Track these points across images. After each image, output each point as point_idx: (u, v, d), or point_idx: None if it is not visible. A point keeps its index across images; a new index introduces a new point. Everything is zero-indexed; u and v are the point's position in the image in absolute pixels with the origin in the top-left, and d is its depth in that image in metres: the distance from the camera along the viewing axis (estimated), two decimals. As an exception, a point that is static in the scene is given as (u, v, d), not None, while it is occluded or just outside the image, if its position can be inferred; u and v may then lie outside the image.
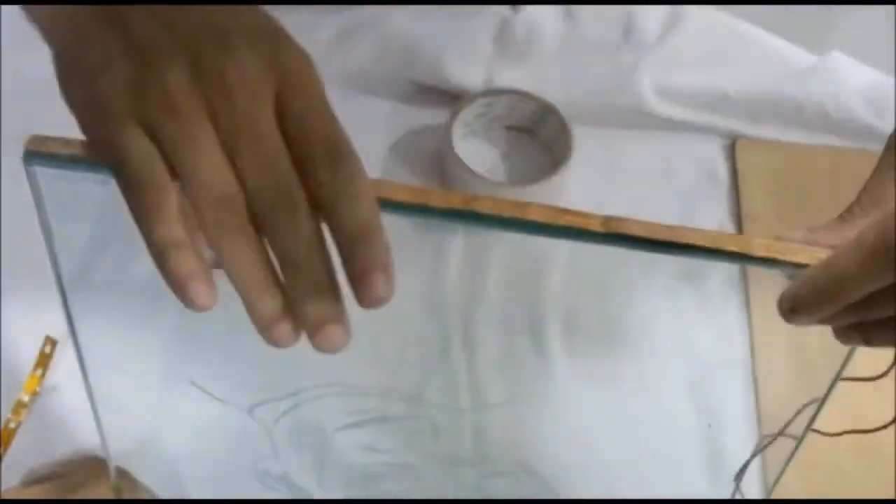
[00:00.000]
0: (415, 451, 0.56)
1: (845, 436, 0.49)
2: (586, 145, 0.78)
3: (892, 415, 0.53)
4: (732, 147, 0.81)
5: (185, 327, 0.55)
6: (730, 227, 0.77)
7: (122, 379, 0.56)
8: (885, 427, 0.45)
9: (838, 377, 0.42)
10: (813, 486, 0.63)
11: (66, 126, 0.38)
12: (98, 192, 0.39)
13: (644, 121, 0.81)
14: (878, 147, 0.81)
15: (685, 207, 0.78)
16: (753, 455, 0.47)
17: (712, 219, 0.77)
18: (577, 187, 0.78)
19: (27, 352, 0.67)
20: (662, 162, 0.80)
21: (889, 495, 0.64)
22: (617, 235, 0.36)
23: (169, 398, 0.59)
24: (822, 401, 0.43)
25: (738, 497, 0.53)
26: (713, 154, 0.81)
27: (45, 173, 0.39)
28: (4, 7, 0.77)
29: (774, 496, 0.57)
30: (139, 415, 0.60)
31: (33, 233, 0.42)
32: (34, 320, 0.64)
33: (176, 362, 0.56)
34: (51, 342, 0.66)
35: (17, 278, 0.69)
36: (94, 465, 0.61)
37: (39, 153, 0.38)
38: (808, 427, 0.44)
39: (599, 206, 0.75)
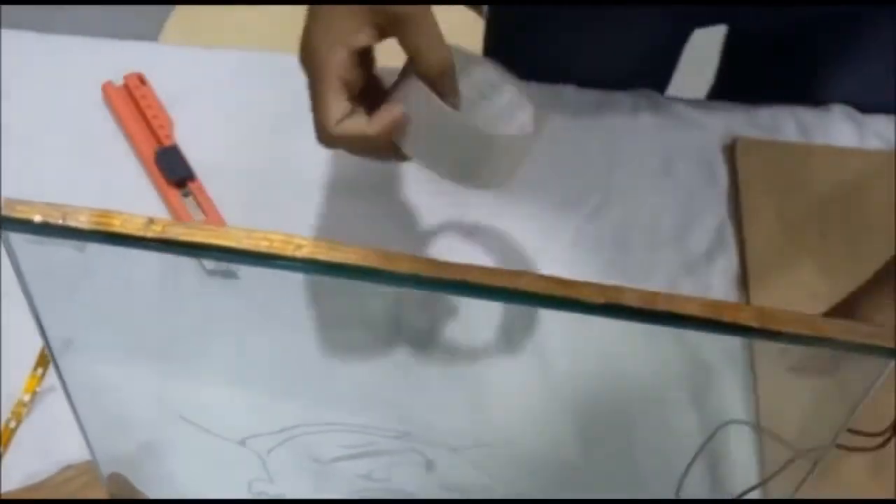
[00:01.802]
0: (410, 481, 0.55)
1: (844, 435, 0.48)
2: (587, 146, 0.76)
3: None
4: (732, 147, 0.80)
5: (172, 366, 0.54)
6: (729, 227, 0.76)
7: (114, 400, 0.55)
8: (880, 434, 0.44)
9: (840, 433, 0.41)
10: (812, 486, 0.62)
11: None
12: (74, 256, 0.38)
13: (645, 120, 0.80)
14: (877, 147, 0.80)
15: (685, 207, 0.77)
16: (743, 493, 0.46)
17: (712, 219, 0.77)
18: (578, 188, 0.77)
19: (27, 352, 0.67)
20: (662, 162, 0.79)
21: (889, 496, 0.64)
22: (613, 306, 0.35)
23: (160, 425, 0.58)
24: (824, 453, 0.42)
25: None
26: (713, 154, 0.80)
27: (19, 238, 0.38)
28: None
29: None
30: (132, 431, 0.60)
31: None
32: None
33: (165, 399, 0.55)
34: (51, 343, 0.66)
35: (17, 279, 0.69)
36: (92, 468, 0.61)
37: (13, 219, 0.37)
38: (808, 475, 0.44)
39: (599, 207, 0.76)
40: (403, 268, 0.36)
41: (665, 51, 0.88)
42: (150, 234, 0.37)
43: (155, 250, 0.36)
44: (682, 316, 0.35)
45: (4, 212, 0.37)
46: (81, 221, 0.37)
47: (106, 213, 0.37)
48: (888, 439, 0.40)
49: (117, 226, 0.36)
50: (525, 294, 0.35)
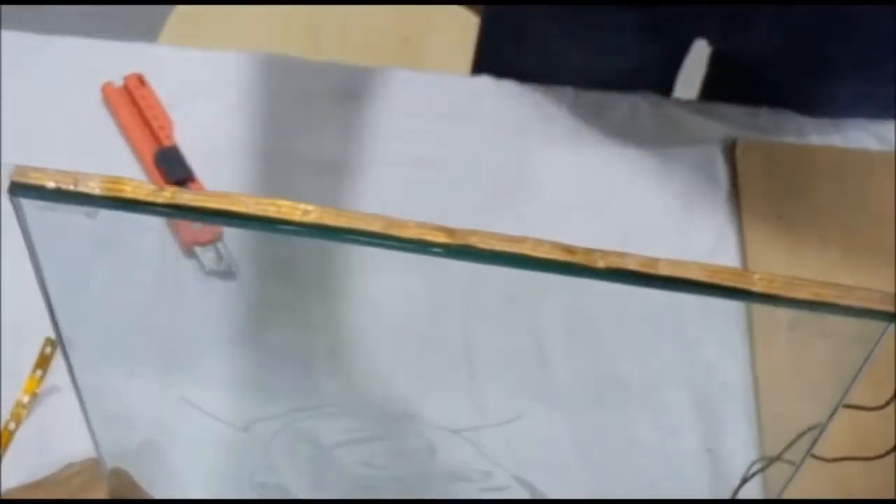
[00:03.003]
0: (411, 467, 0.56)
1: (844, 436, 0.48)
2: (587, 147, 0.77)
3: (893, 428, 0.53)
4: (732, 147, 0.80)
5: (176, 348, 0.55)
6: (730, 228, 0.77)
7: (116, 392, 0.55)
8: (884, 455, 0.45)
9: (839, 405, 0.41)
10: (812, 485, 0.62)
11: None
12: (85, 223, 0.38)
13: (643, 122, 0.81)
14: (878, 148, 0.81)
15: (685, 209, 0.78)
16: (742, 482, 0.46)
17: (712, 220, 0.77)
18: (577, 190, 0.78)
19: (27, 353, 0.67)
20: (662, 163, 0.80)
21: (889, 496, 0.64)
22: (615, 271, 0.36)
23: (164, 411, 0.59)
24: (823, 428, 0.42)
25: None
26: (713, 155, 0.80)
27: (31, 205, 0.38)
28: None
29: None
30: (135, 425, 0.60)
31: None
32: (34, 321, 0.64)
33: (169, 381, 0.55)
34: (51, 343, 0.66)
35: (17, 278, 0.69)
36: (93, 466, 0.61)
37: (24, 185, 0.38)
38: (808, 453, 0.44)
39: (599, 208, 0.77)
40: (408, 233, 0.36)
41: (664, 60, 0.89)
42: (159, 200, 0.37)
43: (164, 216, 0.37)
44: (683, 280, 0.36)
45: (17, 178, 0.37)
46: (92, 187, 0.37)
47: (117, 179, 0.37)
48: (892, 398, 0.41)
49: (128, 192, 0.37)
50: (527, 258, 0.36)
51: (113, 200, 0.37)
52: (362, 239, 0.37)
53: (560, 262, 0.36)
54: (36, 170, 0.38)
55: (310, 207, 0.37)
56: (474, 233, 0.36)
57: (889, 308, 0.35)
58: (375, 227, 0.36)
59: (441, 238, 0.36)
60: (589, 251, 0.36)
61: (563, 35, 0.84)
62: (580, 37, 0.83)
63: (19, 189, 0.38)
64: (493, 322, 0.63)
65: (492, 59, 0.88)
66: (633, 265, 0.36)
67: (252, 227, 0.37)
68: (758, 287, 0.35)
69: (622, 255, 0.36)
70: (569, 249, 0.36)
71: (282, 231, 0.37)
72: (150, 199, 0.37)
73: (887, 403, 0.41)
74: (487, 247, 0.36)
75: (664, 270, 0.36)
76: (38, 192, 0.38)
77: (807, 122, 0.82)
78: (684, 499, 0.59)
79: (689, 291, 0.36)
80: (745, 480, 0.47)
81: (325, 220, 0.37)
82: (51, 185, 0.37)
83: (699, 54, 0.88)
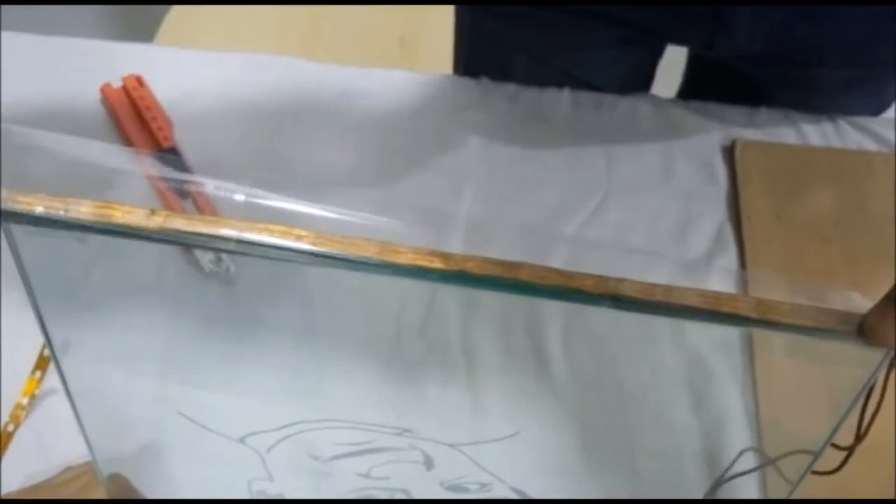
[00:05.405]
0: (409, 479, 0.55)
1: (843, 436, 0.48)
2: (586, 147, 0.76)
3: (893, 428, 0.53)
4: (731, 148, 0.80)
5: (173, 362, 0.55)
6: (729, 229, 0.77)
7: (112, 399, 0.55)
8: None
9: (836, 431, 0.41)
10: (812, 486, 0.62)
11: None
12: (76, 253, 0.38)
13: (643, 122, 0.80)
14: (876, 149, 0.81)
15: (685, 208, 0.77)
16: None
17: (711, 220, 0.77)
18: (577, 189, 0.77)
19: (26, 354, 0.67)
20: (662, 163, 0.79)
21: (889, 496, 0.64)
22: (612, 297, 0.35)
23: (160, 424, 0.59)
24: (819, 453, 0.42)
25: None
26: (712, 155, 0.80)
27: (21, 229, 0.38)
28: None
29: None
30: (130, 431, 0.60)
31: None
32: (33, 323, 0.64)
33: (164, 387, 0.55)
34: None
35: (16, 280, 0.69)
36: (92, 470, 0.61)
37: (14, 211, 0.37)
38: (807, 471, 0.44)
39: (599, 207, 0.76)
40: (403, 259, 0.36)
41: (644, 69, 0.89)
42: (151, 226, 0.37)
43: (156, 241, 0.36)
44: (681, 306, 0.35)
45: (6, 204, 0.37)
46: (83, 213, 0.37)
47: (107, 205, 0.37)
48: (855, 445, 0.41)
49: (118, 217, 0.37)
50: (525, 284, 0.36)
51: (103, 226, 0.37)
52: (356, 265, 0.36)
53: (558, 288, 0.35)
54: (25, 194, 0.37)
55: (303, 233, 0.37)
56: (470, 258, 0.36)
57: (889, 336, 0.35)
58: (370, 252, 0.36)
59: (436, 264, 0.36)
60: (586, 276, 0.36)
61: (546, 53, 0.84)
62: (562, 53, 0.83)
63: (9, 214, 0.37)
64: (492, 330, 0.63)
65: (475, 72, 0.87)
66: (630, 291, 0.35)
67: (245, 252, 0.37)
68: (755, 314, 0.35)
69: (619, 280, 0.35)
70: (567, 275, 0.35)
71: (275, 257, 0.36)
72: (141, 224, 0.37)
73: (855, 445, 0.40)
74: (483, 272, 0.36)
75: (661, 297, 0.35)
76: (28, 218, 0.37)
77: (806, 122, 0.81)
78: (684, 499, 0.59)
79: (686, 318, 0.35)
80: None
81: (318, 246, 0.36)
82: (40, 209, 0.37)
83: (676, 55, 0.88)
